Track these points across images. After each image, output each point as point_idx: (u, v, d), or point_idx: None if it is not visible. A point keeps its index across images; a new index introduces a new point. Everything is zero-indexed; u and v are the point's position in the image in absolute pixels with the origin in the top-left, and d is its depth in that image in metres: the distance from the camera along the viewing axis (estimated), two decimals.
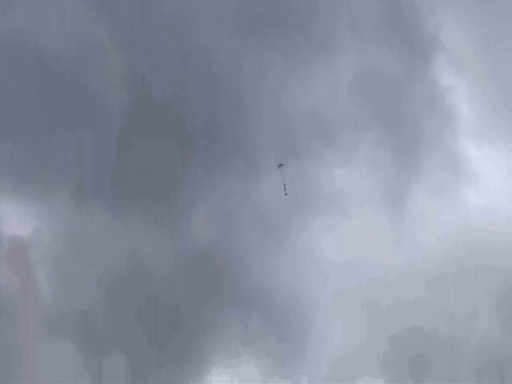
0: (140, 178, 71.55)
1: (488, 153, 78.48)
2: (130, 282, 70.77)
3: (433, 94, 77.01)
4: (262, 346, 74.73)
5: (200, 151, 70.65)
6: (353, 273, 73.64)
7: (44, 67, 70.05)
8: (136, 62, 71.65)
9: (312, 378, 75.09)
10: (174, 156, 71.02)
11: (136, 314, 71.98)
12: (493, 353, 71.87)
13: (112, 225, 71.30)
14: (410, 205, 75.98)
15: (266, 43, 73.92)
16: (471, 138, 78.24)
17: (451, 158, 77.07)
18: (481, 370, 71.67)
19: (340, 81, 74.05)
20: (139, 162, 71.49)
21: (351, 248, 75.21)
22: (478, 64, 78.56)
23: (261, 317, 73.99)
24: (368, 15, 77.40)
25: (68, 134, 70.34)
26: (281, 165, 55.33)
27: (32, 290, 71.99)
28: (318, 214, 74.49)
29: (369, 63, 75.53)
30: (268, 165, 71.40)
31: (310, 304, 73.26)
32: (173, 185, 71.29)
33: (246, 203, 71.45)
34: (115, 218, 71.44)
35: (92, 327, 70.52)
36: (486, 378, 72.06)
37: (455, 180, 76.92)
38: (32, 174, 70.12)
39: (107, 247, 71.80)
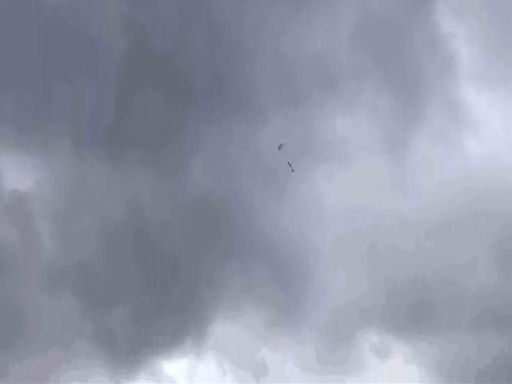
0: (140, 127, 71.08)
1: (489, 99, 78.08)
2: (130, 232, 70.83)
3: (434, 40, 76.26)
4: (263, 295, 75.19)
5: (200, 99, 70.09)
6: (354, 220, 73.68)
7: (43, 16, 69.15)
8: (136, 11, 70.73)
9: (313, 327, 75.83)
10: (174, 104, 70.49)
11: (137, 264, 72.10)
12: (491, 300, 72.45)
13: (112, 175, 71.04)
14: (411, 152, 75.79)
15: None
16: (472, 84, 77.75)
17: (452, 105, 76.66)
18: (480, 317, 72.29)
19: (341, 27, 73.23)
20: (139, 111, 70.95)
21: (352, 195, 75.11)
22: (480, 10, 77.88)
23: (262, 265, 74.25)
24: None
25: (67, 85, 69.73)
26: (281, 145, 54.73)
27: (33, 244, 72.06)
28: (319, 161, 74.23)
29: (370, 10, 74.75)
30: (269, 112, 71.06)
31: (310, 252, 73.52)
32: (173, 133, 70.86)
33: (246, 151, 71.22)
34: (115, 169, 71.21)
35: (93, 279, 70.76)
36: (485, 325, 72.87)
37: (456, 127, 76.64)
38: (31, 127, 69.67)
39: (107, 198, 71.58)
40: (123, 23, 69.97)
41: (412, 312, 73.32)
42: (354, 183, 73.79)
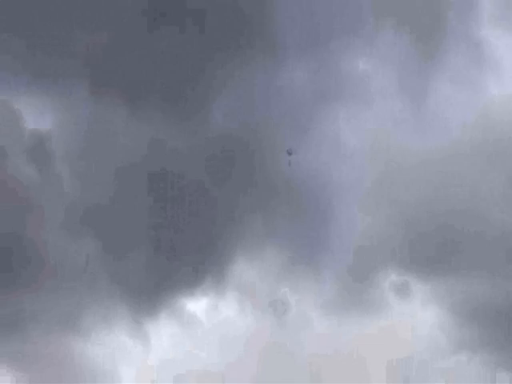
0: (159, 69, 70.73)
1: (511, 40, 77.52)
2: (150, 172, 70.79)
3: None
4: (283, 235, 75.33)
5: (221, 38, 69.64)
6: (374, 160, 73.84)
7: None
8: None
9: (333, 266, 76.01)
10: (193, 44, 70.10)
11: (156, 206, 72.31)
12: (510, 245, 72.41)
13: (132, 116, 70.82)
14: (432, 93, 75.32)
15: None
16: (494, 24, 76.88)
17: (474, 46, 75.92)
18: (505, 257, 72.21)
19: None
20: (158, 53, 70.61)
21: (372, 135, 75.10)
22: None
23: (282, 204, 74.38)
24: None
25: (84, 23, 69.38)
26: (290, 153, 53.60)
27: (54, 186, 72.25)
28: (340, 101, 74.16)
29: None
30: (291, 50, 70.63)
31: (331, 191, 73.57)
32: (192, 74, 70.57)
33: (267, 91, 70.82)
34: (134, 110, 70.96)
35: (114, 220, 70.89)
36: (502, 268, 72.86)
37: (477, 68, 76.19)
38: (49, 67, 69.43)
39: (127, 139, 71.53)
40: None
41: (433, 251, 73.28)
42: (374, 123, 73.76)
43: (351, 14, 72.58)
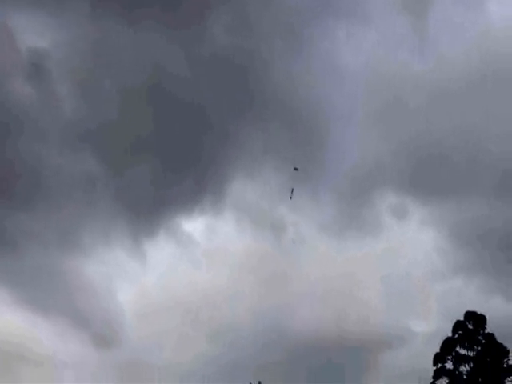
0: None
1: None
2: (149, 90, 70.44)
3: None
4: (282, 155, 75.25)
5: None
6: (373, 78, 73.58)
7: None
8: None
9: (331, 188, 76.14)
10: None
11: (157, 123, 71.88)
12: (509, 169, 72.00)
13: (130, 34, 70.36)
14: (432, 12, 74.94)
15: None
16: None
17: None
18: (501, 182, 71.83)
19: None
20: None
21: (371, 54, 74.94)
22: None
23: (281, 126, 74.34)
24: None
25: None
26: (296, 169, 53.46)
27: (52, 103, 71.94)
28: (340, 20, 73.79)
29: None
30: None
31: (332, 115, 73.56)
32: None
33: (266, 8, 70.48)
34: (133, 29, 70.53)
35: (114, 139, 70.73)
36: (506, 191, 72.51)
37: None
38: None
39: (126, 58, 71.19)
40: None
41: (431, 174, 73.22)
42: (374, 41, 73.54)
43: None
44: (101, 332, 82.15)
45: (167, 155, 70.83)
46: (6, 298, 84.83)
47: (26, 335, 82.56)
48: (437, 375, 43.44)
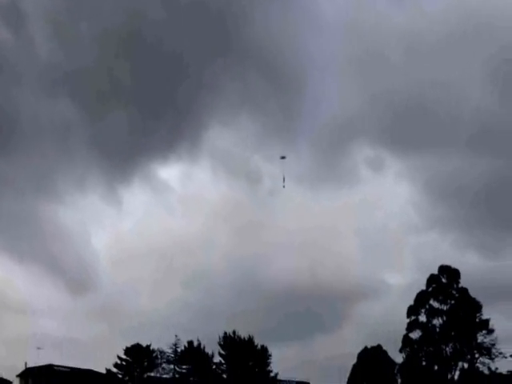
0: None
1: None
2: (127, 36, 69.12)
3: None
4: (259, 104, 74.96)
5: None
6: (352, 31, 73.11)
7: None
8: None
9: (307, 138, 76.04)
10: None
11: (134, 70, 70.66)
12: (487, 122, 72.14)
13: None
14: None
15: None
16: None
17: None
18: (475, 137, 71.81)
19: None
20: None
21: (350, 3, 74.50)
22: None
23: (258, 74, 73.69)
24: None
25: None
26: (283, 157, 53.29)
27: (29, 48, 70.66)
28: None
29: None
30: None
31: (308, 63, 72.87)
32: None
33: None
34: None
35: (91, 85, 69.70)
36: (480, 146, 72.59)
37: None
38: None
39: (106, 0, 70.06)
40: None
41: (409, 127, 72.96)
42: None
43: None
44: (76, 278, 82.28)
45: (144, 102, 70.25)
46: None
47: (2, 282, 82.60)
48: (410, 327, 44.24)
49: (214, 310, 75.30)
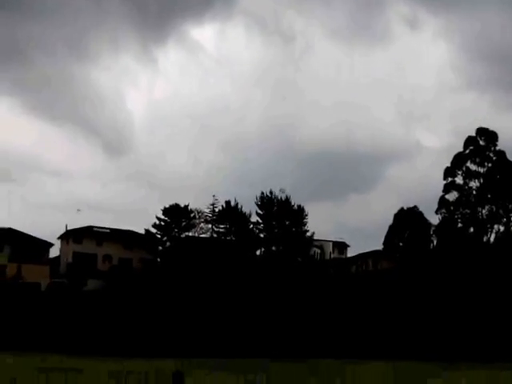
0: None
1: None
2: None
3: None
4: None
5: None
6: None
7: None
8: None
9: None
10: None
11: None
12: None
13: None
14: None
15: None
16: None
17: None
18: None
19: None
20: None
21: None
22: None
23: None
24: None
25: None
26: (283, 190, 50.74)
27: None
28: None
29: None
30: None
31: None
32: None
33: None
34: None
35: None
36: None
37: None
38: None
39: None
40: None
41: None
42: None
43: None
44: (112, 141, 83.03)
45: None
46: (16, 107, 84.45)
47: (39, 145, 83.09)
48: (447, 189, 44.25)
49: (250, 171, 76.09)
